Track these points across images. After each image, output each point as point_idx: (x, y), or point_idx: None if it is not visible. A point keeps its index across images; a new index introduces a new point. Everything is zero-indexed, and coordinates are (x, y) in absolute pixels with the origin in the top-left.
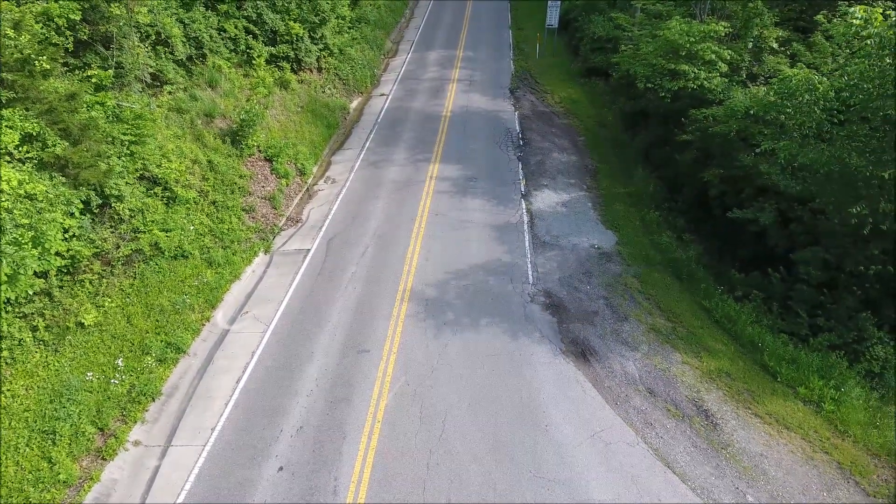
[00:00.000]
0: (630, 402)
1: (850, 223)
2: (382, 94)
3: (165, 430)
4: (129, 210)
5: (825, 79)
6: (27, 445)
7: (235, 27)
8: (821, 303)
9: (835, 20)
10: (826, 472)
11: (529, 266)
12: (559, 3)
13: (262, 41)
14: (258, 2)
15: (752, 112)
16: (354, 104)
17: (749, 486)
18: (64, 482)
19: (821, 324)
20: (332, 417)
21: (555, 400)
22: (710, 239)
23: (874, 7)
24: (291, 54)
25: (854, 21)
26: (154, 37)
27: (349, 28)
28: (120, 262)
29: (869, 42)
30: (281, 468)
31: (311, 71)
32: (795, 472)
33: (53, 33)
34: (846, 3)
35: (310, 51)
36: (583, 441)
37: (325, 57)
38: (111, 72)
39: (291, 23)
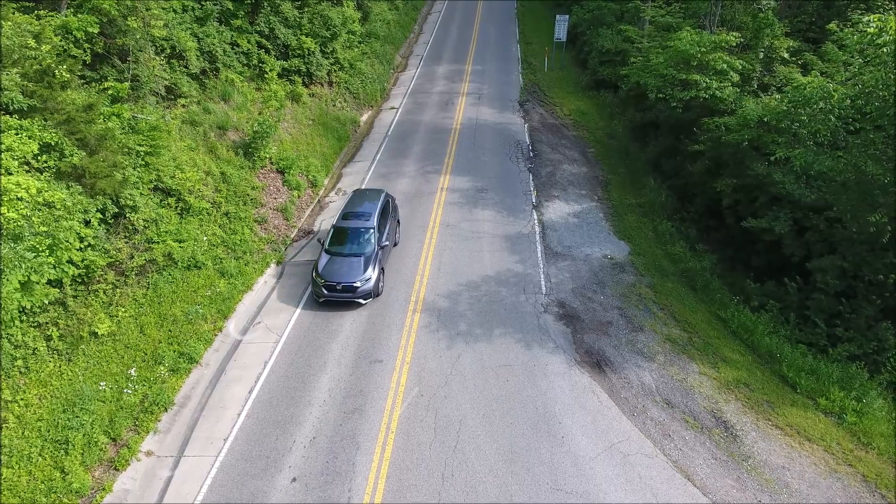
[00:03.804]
0: (647, 413)
1: (867, 231)
2: (392, 108)
3: (178, 441)
4: (144, 220)
5: (840, 87)
6: (40, 455)
7: (248, 42)
8: (839, 312)
9: (847, 29)
10: (850, 485)
11: (542, 276)
12: (567, 17)
13: (275, 55)
14: (271, 17)
15: (765, 121)
16: (365, 117)
17: (772, 500)
18: (76, 492)
19: (839, 333)
20: (345, 428)
21: (570, 411)
22: (724, 248)
23: (888, 15)
24: (303, 68)
25: (868, 30)
26: (169, 50)
27: (359, 43)
28: (133, 273)
29: (884, 50)
30: (294, 479)
31: (322, 85)
32: (819, 484)
33: (72, 45)
34: (858, 11)
35: (321, 65)
36: (600, 453)
37: (335, 71)
38: (127, 84)
39: (303, 37)
